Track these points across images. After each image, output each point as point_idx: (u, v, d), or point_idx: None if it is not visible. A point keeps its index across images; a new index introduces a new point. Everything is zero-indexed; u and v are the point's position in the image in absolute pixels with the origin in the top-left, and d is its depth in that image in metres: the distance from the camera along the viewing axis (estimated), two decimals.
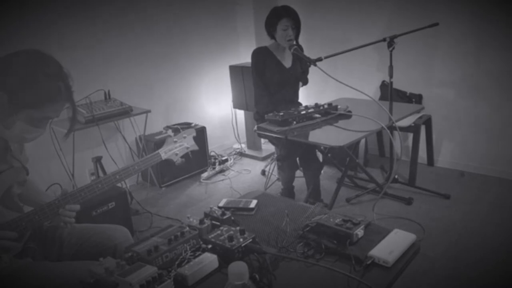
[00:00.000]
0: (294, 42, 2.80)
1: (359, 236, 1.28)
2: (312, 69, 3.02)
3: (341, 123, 2.66)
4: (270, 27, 2.86)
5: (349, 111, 2.76)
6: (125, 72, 3.58)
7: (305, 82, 3.15)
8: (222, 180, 3.82)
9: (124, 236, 1.57)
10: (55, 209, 1.32)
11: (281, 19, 2.78)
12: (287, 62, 2.99)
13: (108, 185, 1.41)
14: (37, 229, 1.51)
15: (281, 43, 2.84)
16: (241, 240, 1.20)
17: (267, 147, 4.34)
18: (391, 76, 2.80)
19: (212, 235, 1.25)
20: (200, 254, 1.19)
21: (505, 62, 3.22)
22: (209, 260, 1.17)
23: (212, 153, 4.19)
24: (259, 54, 2.93)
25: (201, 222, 1.34)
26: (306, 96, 3.96)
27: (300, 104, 3.04)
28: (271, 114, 2.66)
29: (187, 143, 1.60)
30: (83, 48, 3.25)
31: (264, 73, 2.92)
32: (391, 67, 2.77)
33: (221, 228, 1.29)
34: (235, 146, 4.48)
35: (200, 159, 3.84)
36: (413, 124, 3.35)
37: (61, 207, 1.33)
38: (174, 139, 1.57)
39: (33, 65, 1.26)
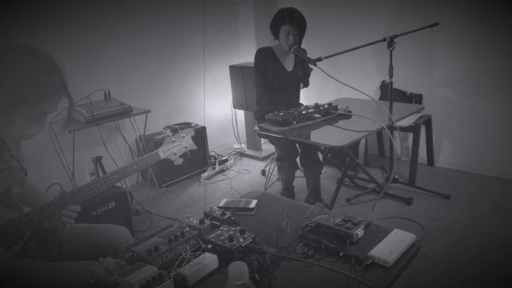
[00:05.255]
0: (295, 47, 2.78)
1: (359, 236, 1.28)
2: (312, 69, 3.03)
3: (341, 123, 2.66)
4: (274, 29, 2.86)
5: (349, 111, 2.75)
6: (125, 72, 3.58)
7: (306, 85, 3.15)
8: (222, 180, 3.82)
9: (124, 236, 1.57)
10: (55, 209, 1.32)
11: (283, 24, 2.76)
12: (289, 66, 2.98)
13: (107, 184, 1.41)
14: (37, 229, 1.51)
15: (283, 45, 2.83)
16: (241, 240, 1.20)
17: (267, 147, 4.34)
18: (391, 76, 2.79)
19: (212, 235, 1.25)
20: (200, 254, 1.19)
21: (505, 62, 3.22)
22: (209, 260, 1.17)
23: (212, 153, 4.19)
24: (263, 54, 2.92)
25: (201, 222, 1.34)
26: (306, 96, 3.96)
27: (300, 105, 3.04)
28: (271, 114, 2.66)
29: (185, 142, 1.60)
30: (83, 48, 3.25)
31: (266, 74, 2.92)
32: (391, 67, 2.77)
33: (221, 228, 1.29)
34: (235, 146, 4.48)
35: (200, 159, 3.84)
36: (413, 124, 3.34)
37: (61, 207, 1.33)
38: (173, 139, 1.57)
39: (26, 61, 1.25)
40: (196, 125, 3.82)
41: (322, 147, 3.11)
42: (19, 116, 1.27)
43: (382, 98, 3.78)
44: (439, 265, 2.36)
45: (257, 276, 1.09)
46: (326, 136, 2.53)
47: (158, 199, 3.49)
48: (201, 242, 1.25)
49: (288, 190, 3.09)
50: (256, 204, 1.58)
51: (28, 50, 1.28)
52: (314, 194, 3.02)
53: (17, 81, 1.24)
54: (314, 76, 3.12)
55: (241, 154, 4.38)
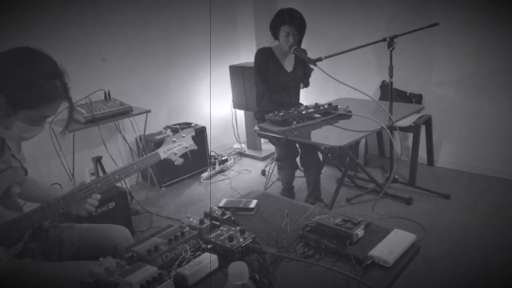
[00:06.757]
0: (295, 47, 2.77)
1: (359, 236, 1.28)
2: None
3: (341, 123, 2.66)
4: (274, 29, 2.85)
5: (349, 111, 2.75)
6: (125, 72, 3.58)
7: (306, 85, 3.15)
8: (222, 180, 3.82)
9: (124, 236, 1.57)
10: (54, 209, 1.32)
11: (283, 24, 2.76)
12: (289, 66, 2.98)
13: (107, 184, 1.41)
14: (37, 229, 1.51)
15: (283, 46, 2.83)
16: (241, 240, 1.20)
17: (267, 147, 4.34)
18: (391, 76, 2.79)
19: (212, 235, 1.25)
20: (200, 254, 1.19)
21: (505, 62, 3.22)
22: (209, 260, 1.17)
23: (212, 153, 4.18)
24: (263, 55, 2.92)
25: (201, 222, 1.34)
26: (306, 96, 3.96)
27: (300, 105, 3.03)
28: (271, 114, 2.66)
29: (186, 142, 1.60)
30: (83, 48, 3.25)
31: (266, 74, 2.92)
32: (391, 67, 2.77)
33: (221, 228, 1.29)
34: (235, 146, 4.48)
35: (200, 159, 3.84)
36: (413, 124, 3.34)
37: (61, 208, 1.33)
38: (173, 139, 1.57)
39: (28, 64, 1.24)
40: (196, 125, 3.82)
41: (322, 147, 3.11)
42: (18, 119, 1.27)
43: (382, 98, 3.78)
44: (439, 265, 2.36)
45: (257, 276, 1.09)
46: (326, 136, 2.53)
47: (158, 199, 3.49)
48: (201, 242, 1.25)
49: (288, 190, 3.09)
50: (256, 204, 1.57)
51: (32, 53, 1.27)
52: (314, 194, 3.02)
53: (20, 84, 1.23)
54: (314, 76, 3.12)
55: (241, 154, 4.38)
